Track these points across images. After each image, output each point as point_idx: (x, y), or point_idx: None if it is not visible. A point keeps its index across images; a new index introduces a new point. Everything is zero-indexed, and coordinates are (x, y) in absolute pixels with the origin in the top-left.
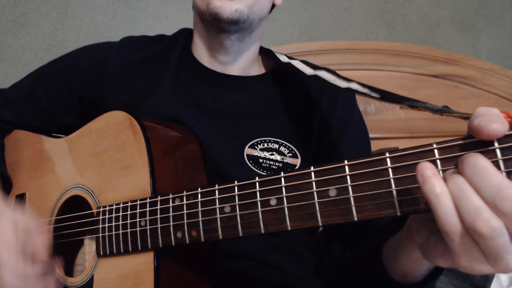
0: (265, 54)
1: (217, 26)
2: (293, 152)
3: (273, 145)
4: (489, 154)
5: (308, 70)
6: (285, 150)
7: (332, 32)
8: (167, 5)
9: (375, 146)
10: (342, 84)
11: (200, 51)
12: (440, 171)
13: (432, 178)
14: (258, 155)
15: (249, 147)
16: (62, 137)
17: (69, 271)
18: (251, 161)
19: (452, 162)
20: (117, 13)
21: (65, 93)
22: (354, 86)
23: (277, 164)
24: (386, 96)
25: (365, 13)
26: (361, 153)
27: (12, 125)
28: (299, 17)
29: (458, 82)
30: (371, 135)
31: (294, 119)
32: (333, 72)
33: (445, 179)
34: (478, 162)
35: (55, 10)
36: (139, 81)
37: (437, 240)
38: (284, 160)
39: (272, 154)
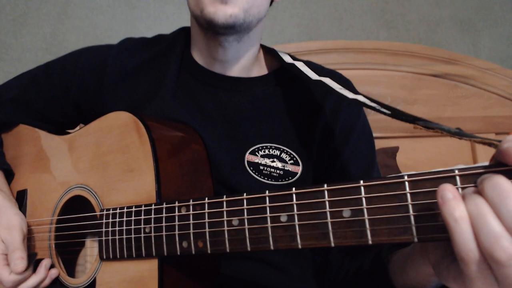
0: (268, 53)
1: (213, 30)
2: (294, 159)
3: (274, 152)
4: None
5: (313, 75)
6: (286, 157)
7: (332, 32)
8: (167, 5)
9: (375, 145)
10: (349, 94)
11: (199, 52)
12: (459, 189)
13: (452, 201)
14: (259, 161)
15: (249, 153)
16: (65, 134)
17: (70, 271)
18: (251, 168)
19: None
20: (117, 13)
21: (60, 97)
22: (361, 98)
23: (278, 171)
24: (397, 114)
25: (365, 13)
26: (365, 162)
27: (3, 124)
28: (299, 17)
29: (458, 81)
30: None
31: (296, 124)
32: (339, 82)
33: (464, 197)
34: (500, 184)
35: (55, 9)
36: (140, 86)
37: (450, 262)
38: (285, 168)
39: (273, 161)
